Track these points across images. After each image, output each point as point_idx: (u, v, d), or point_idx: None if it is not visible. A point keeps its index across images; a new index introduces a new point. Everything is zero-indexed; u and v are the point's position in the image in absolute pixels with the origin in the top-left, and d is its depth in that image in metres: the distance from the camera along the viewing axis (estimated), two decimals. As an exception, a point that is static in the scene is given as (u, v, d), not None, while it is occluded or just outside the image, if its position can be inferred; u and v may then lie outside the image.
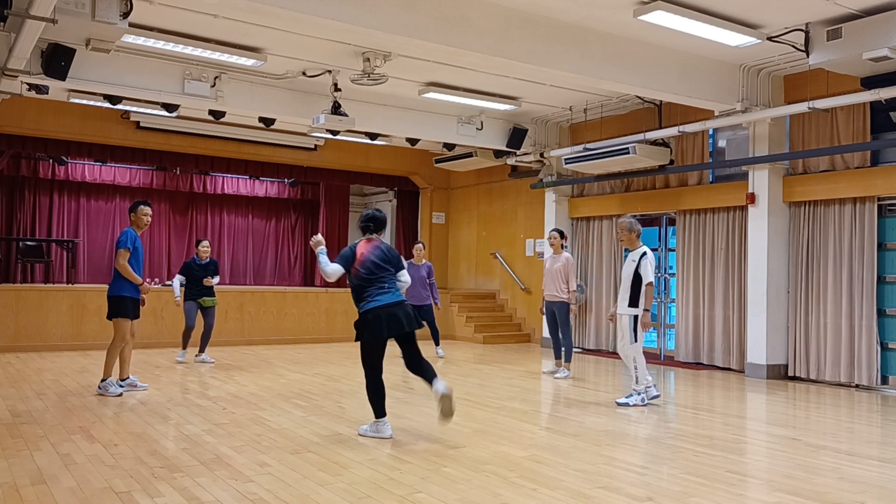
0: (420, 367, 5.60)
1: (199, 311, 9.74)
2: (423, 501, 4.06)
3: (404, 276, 5.77)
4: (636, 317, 7.11)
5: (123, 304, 7.18)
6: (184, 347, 9.81)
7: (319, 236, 5.88)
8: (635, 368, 7.15)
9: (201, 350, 9.81)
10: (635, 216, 11.87)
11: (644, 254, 7.15)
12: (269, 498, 4.05)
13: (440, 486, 4.33)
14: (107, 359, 7.19)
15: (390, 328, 5.46)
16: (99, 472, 4.47)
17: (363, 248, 5.66)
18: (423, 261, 10.97)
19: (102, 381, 7.19)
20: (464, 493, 4.20)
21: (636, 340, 7.14)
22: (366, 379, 5.58)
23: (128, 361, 7.43)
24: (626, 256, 7.59)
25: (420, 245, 11.09)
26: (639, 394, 7.14)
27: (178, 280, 9.59)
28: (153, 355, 10.09)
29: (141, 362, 8.85)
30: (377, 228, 5.80)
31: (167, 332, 11.28)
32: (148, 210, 7.36)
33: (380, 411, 5.59)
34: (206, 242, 9.88)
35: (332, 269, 5.58)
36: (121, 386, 7.33)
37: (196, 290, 9.66)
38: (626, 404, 7.08)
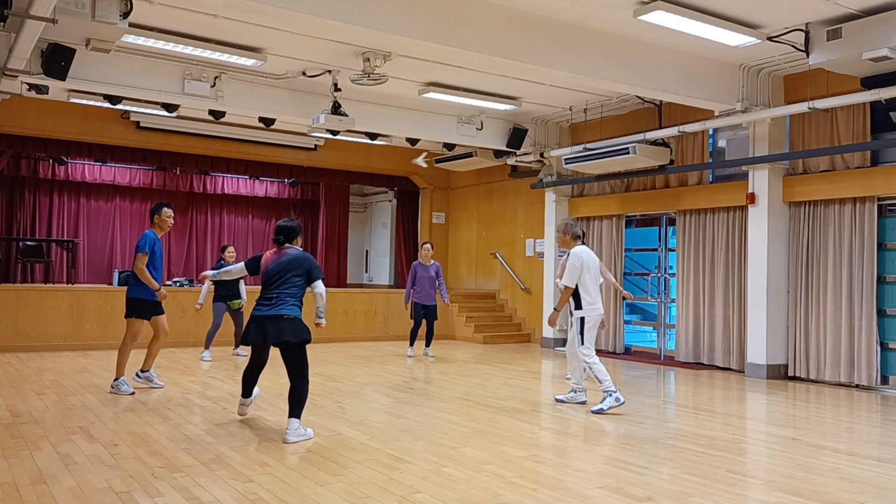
0: (290, 391, 5.52)
1: (226, 312, 10.28)
2: (423, 501, 4.06)
3: (319, 287, 5.66)
4: (583, 319, 6.95)
5: (139, 306, 7.29)
6: (206, 347, 10.16)
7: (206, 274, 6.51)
8: (590, 368, 6.87)
9: (236, 345, 10.66)
10: (635, 216, 11.97)
11: (568, 255, 7.08)
12: (269, 498, 4.05)
13: (440, 486, 4.33)
14: (119, 357, 7.31)
15: (254, 336, 5.59)
16: (99, 472, 4.47)
17: (267, 257, 5.83)
18: (432, 261, 11.05)
19: (115, 380, 7.30)
20: (464, 493, 4.20)
21: (583, 343, 6.94)
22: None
23: (153, 356, 7.64)
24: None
25: (428, 245, 11.19)
26: (610, 394, 6.83)
27: (206, 285, 10.09)
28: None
29: (140, 362, 8.85)
30: (287, 239, 5.81)
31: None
32: (171, 212, 7.51)
33: (243, 391, 6.08)
34: (231, 248, 10.39)
35: (236, 267, 6.11)
36: (138, 377, 7.59)
37: (225, 293, 10.16)
38: (601, 410, 6.80)
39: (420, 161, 6.68)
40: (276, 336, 5.47)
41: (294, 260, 5.68)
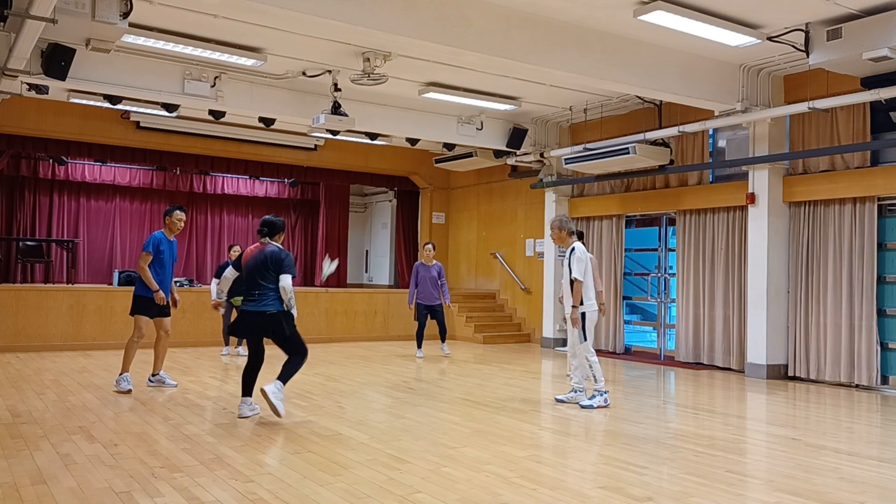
0: (286, 361, 6.16)
1: (233, 309, 10.39)
2: (423, 501, 4.06)
3: (284, 281, 6.01)
4: (583, 314, 6.98)
5: (143, 303, 7.40)
6: (226, 344, 10.76)
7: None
8: (590, 366, 6.98)
9: (238, 343, 10.73)
10: (635, 216, 11.97)
11: (572, 250, 7.06)
12: (269, 498, 4.05)
13: (440, 486, 4.33)
14: (125, 354, 7.44)
15: (242, 331, 6.19)
16: (99, 472, 4.47)
17: (249, 253, 6.20)
18: (434, 261, 11.09)
19: (120, 374, 7.43)
20: (464, 493, 4.20)
21: (585, 339, 6.99)
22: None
23: (161, 358, 7.73)
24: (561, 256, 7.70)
25: (430, 246, 11.22)
26: (601, 393, 6.99)
27: (214, 283, 10.33)
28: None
29: (142, 362, 8.85)
30: (270, 233, 6.19)
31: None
32: (182, 216, 7.60)
33: (242, 391, 6.23)
34: (237, 247, 10.56)
35: (228, 273, 6.42)
36: (150, 382, 7.71)
37: (229, 291, 10.05)
38: (591, 406, 6.94)
39: (329, 268, 7.06)
40: (259, 332, 6.08)
41: (270, 256, 6.06)
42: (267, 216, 6.32)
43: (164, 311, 7.47)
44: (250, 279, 6.07)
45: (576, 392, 7.26)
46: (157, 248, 7.33)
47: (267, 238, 6.18)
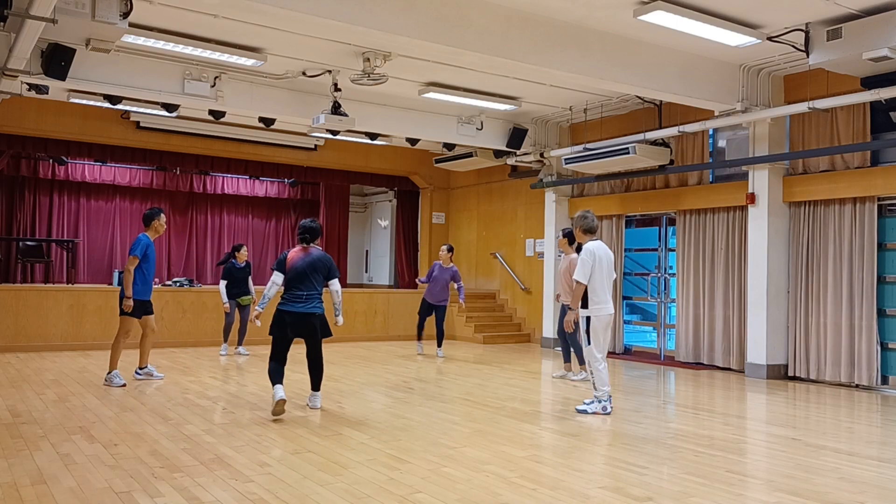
0: (312, 368, 6.61)
1: (237, 308, 10.64)
2: (423, 501, 4.06)
3: (334, 285, 6.51)
4: (589, 318, 6.74)
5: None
6: (225, 341, 10.71)
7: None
8: (591, 372, 6.72)
9: (239, 343, 10.76)
10: (635, 216, 11.96)
11: (578, 250, 6.87)
12: (269, 498, 4.05)
13: (440, 486, 4.33)
14: (112, 353, 7.72)
15: (291, 331, 6.35)
16: (99, 472, 4.47)
17: (294, 255, 6.47)
18: (451, 265, 11.13)
19: (108, 373, 7.69)
20: (464, 493, 4.20)
21: (590, 342, 6.74)
22: (269, 360, 6.43)
23: (146, 353, 7.99)
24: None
25: (444, 247, 11.25)
26: (600, 401, 6.66)
27: (223, 285, 10.45)
28: (153, 355, 10.07)
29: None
30: (312, 238, 6.54)
31: (164, 333, 11.27)
32: (164, 217, 7.92)
33: (273, 381, 6.35)
34: (244, 248, 10.70)
35: (276, 282, 6.41)
36: (138, 374, 7.96)
37: (236, 290, 10.49)
38: (585, 411, 6.69)
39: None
40: (311, 332, 6.40)
41: (319, 259, 6.45)
42: (305, 222, 6.55)
43: (148, 310, 7.78)
44: (298, 281, 6.33)
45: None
46: (145, 253, 7.57)
47: (311, 243, 6.51)
